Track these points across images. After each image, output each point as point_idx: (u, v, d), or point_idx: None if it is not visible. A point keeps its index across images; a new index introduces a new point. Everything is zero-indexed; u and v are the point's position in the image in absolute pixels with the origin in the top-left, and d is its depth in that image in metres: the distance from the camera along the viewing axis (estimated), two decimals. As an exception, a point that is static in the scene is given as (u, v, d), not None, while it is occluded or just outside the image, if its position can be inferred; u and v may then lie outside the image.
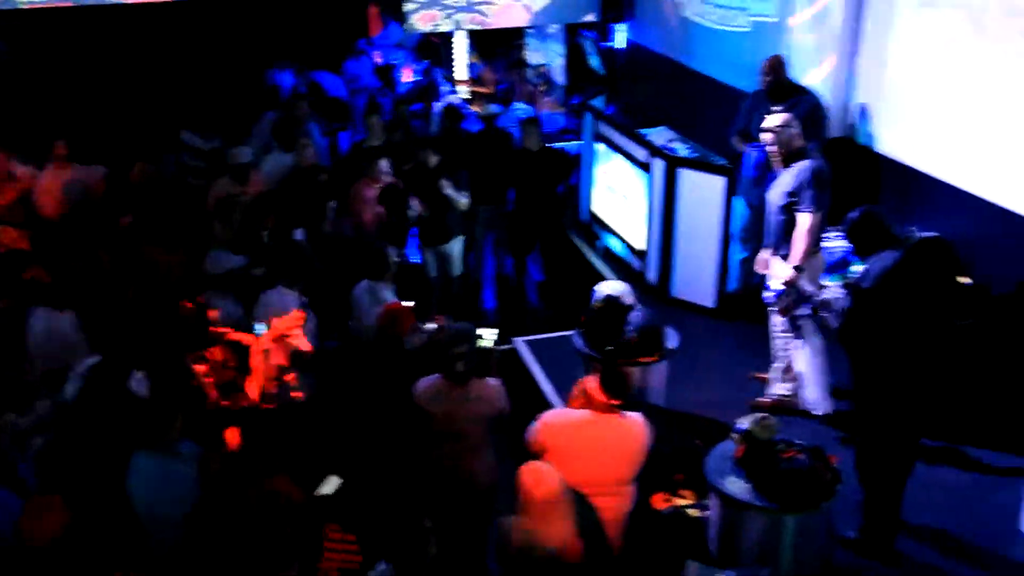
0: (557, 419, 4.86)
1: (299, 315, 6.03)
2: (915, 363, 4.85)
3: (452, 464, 5.19)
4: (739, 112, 7.60)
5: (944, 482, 5.58)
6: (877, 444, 5.01)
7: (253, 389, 6.07)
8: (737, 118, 7.61)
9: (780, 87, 7.16)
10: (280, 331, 5.98)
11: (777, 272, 6.08)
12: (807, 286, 5.86)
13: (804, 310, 5.94)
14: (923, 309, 4.84)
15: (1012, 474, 5.40)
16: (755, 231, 7.40)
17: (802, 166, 5.87)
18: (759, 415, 4.87)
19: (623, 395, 4.75)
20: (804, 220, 5.85)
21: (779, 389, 6.34)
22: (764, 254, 6.30)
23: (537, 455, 4.64)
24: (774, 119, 6.04)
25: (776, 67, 7.22)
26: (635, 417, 4.82)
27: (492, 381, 5.25)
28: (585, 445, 4.67)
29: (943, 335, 4.99)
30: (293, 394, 6.05)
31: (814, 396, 6.15)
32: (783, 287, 5.96)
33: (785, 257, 6.02)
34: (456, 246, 8.38)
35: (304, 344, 5.99)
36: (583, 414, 4.78)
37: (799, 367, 6.17)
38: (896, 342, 4.83)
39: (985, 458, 5.72)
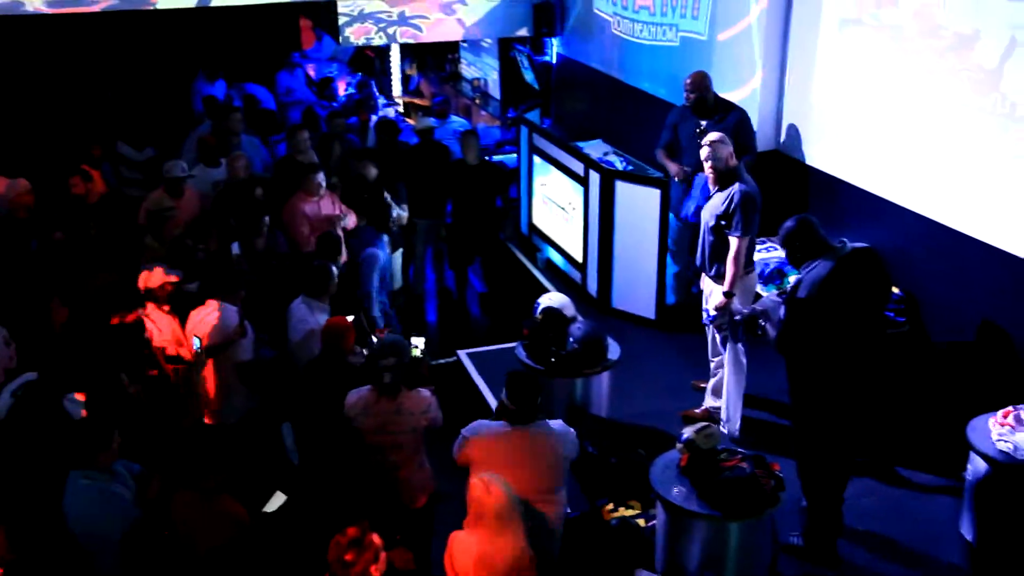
0: (475, 433, 4.83)
1: (236, 330, 5.94)
2: (850, 370, 4.96)
3: (387, 476, 5.13)
4: (664, 127, 7.65)
5: (886, 487, 5.69)
6: (816, 450, 5.10)
7: (193, 405, 5.95)
8: (662, 133, 7.65)
9: (704, 103, 7.20)
10: (216, 345, 5.89)
11: (712, 293, 6.17)
12: (740, 309, 5.92)
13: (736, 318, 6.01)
14: (856, 318, 4.95)
15: (951, 479, 5.52)
16: (685, 244, 7.51)
17: (733, 189, 5.94)
18: (701, 424, 4.92)
19: (527, 402, 4.74)
20: (733, 244, 5.93)
21: (710, 402, 6.42)
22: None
23: (466, 469, 4.67)
24: (711, 135, 6.12)
25: (700, 83, 7.21)
26: (552, 424, 4.82)
27: (423, 392, 5.18)
28: (503, 456, 4.66)
29: (876, 343, 5.11)
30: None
31: (725, 416, 6.18)
32: (716, 312, 6.06)
33: (715, 278, 6.12)
34: (396, 260, 8.32)
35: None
36: (499, 425, 4.79)
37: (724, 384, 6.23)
38: (831, 350, 4.93)
39: (925, 464, 5.83)
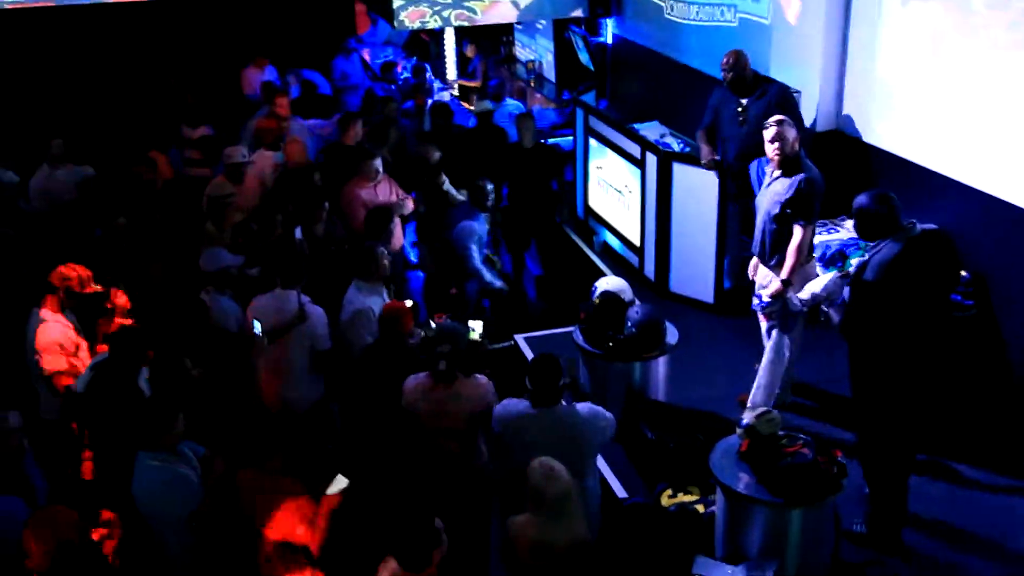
0: (504, 409, 4.86)
1: (297, 314, 5.99)
2: (915, 355, 4.84)
3: (444, 461, 5.15)
4: (706, 108, 7.48)
5: (952, 475, 5.55)
6: (880, 437, 5.00)
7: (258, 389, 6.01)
8: (704, 115, 7.48)
9: (743, 81, 7.03)
10: (277, 330, 5.95)
11: (766, 281, 6.02)
12: (795, 299, 5.80)
13: (792, 308, 5.85)
14: (923, 301, 4.83)
15: (1021, 468, 5.38)
16: (737, 228, 7.39)
17: (799, 175, 5.73)
18: (762, 410, 4.85)
19: (545, 384, 4.72)
20: (796, 233, 5.75)
21: None
22: (754, 260, 6.23)
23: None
24: (776, 116, 5.90)
25: (736, 61, 7.03)
26: (579, 408, 4.81)
27: (479, 378, 5.19)
28: (527, 437, 4.69)
29: (943, 326, 4.99)
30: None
31: (750, 402, 6.02)
32: (770, 299, 5.92)
33: (775, 268, 5.94)
34: None
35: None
36: (524, 406, 4.80)
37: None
38: (898, 334, 4.81)
39: (994, 452, 5.68)
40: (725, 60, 7.09)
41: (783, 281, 5.85)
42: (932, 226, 6.21)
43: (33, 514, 4.28)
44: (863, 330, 4.93)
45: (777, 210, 5.82)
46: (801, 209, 5.72)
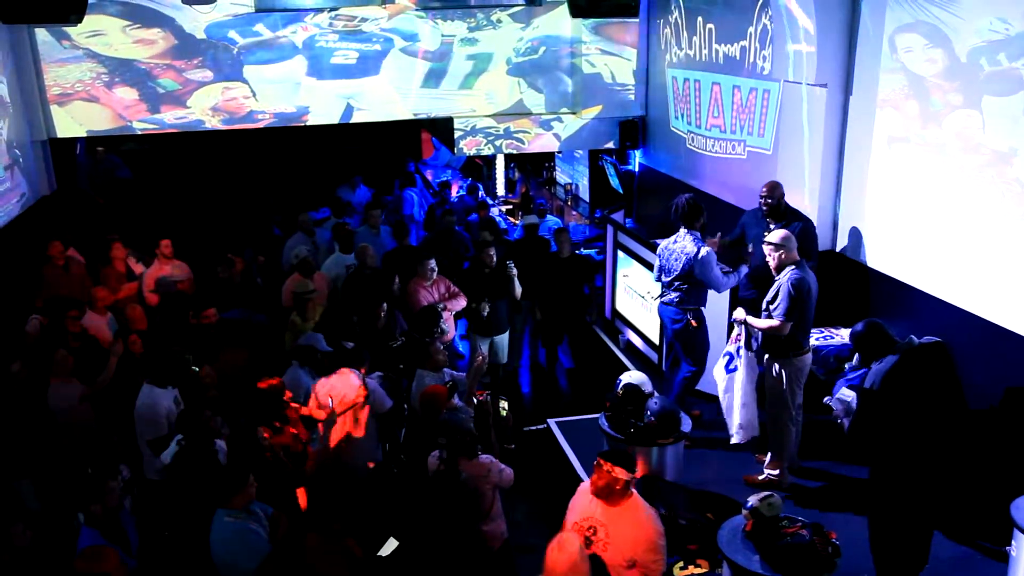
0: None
1: (361, 392, 6.02)
2: (921, 452, 4.74)
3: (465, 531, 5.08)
4: (737, 225, 7.55)
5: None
6: (897, 526, 4.87)
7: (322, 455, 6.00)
8: (734, 230, 7.55)
9: (777, 209, 7.10)
10: (347, 405, 5.99)
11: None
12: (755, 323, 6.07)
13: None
14: (924, 402, 4.77)
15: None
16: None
17: (784, 278, 5.91)
18: (765, 494, 4.77)
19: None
20: (774, 322, 5.91)
21: (768, 469, 6.23)
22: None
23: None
24: (775, 235, 6.04)
25: (774, 191, 7.09)
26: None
27: (483, 458, 5.12)
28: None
29: (943, 427, 4.91)
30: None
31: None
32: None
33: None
34: (506, 338, 8.39)
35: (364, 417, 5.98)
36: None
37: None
38: (900, 432, 4.71)
39: (972, 534, 5.50)
40: (765, 189, 7.07)
41: (747, 312, 6.18)
42: (932, 339, 6.13)
43: (83, 551, 4.27)
44: (870, 434, 4.83)
45: (765, 307, 6.08)
46: (781, 304, 5.91)
